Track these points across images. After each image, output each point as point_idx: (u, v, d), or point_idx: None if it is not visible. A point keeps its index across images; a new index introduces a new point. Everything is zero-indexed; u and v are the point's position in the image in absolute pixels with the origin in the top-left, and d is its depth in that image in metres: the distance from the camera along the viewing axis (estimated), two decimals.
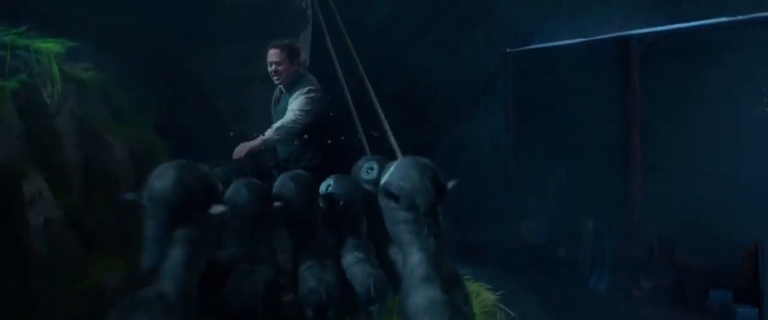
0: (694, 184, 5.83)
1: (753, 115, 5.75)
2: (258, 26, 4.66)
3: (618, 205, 6.43)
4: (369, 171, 3.38)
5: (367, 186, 3.37)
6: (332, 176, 3.27)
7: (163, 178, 2.68)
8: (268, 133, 3.94)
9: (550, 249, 6.66)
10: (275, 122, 4.01)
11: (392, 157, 4.26)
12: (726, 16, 5.91)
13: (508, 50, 7.05)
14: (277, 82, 4.10)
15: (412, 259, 2.50)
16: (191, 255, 2.59)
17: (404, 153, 5.45)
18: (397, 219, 2.56)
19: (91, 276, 3.55)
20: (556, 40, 6.78)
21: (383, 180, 2.58)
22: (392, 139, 4.72)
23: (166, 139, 4.28)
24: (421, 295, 2.43)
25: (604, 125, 6.51)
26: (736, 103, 5.81)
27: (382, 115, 4.82)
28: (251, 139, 3.89)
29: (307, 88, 4.06)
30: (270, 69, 4.07)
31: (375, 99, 4.87)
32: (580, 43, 6.59)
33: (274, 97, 4.22)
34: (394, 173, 2.60)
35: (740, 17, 5.80)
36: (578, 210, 6.51)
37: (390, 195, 2.53)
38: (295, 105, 3.99)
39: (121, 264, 3.59)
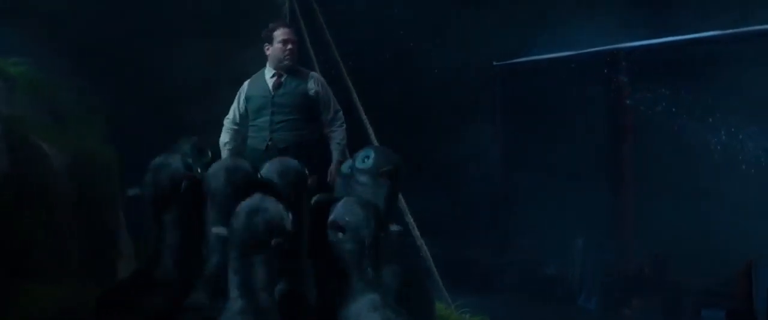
0: (686, 201, 5.46)
1: (744, 130, 5.41)
2: (228, 21, 3.82)
3: (609, 222, 6.07)
4: (365, 159, 3.01)
5: (363, 178, 2.99)
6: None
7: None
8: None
9: (540, 267, 6.22)
10: (272, 109, 3.73)
11: None
12: (714, 30, 5.57)
13: (495, 63, 6.65)
14: (289, 64, 3.80)
15: (356, 287, 2.57)
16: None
17: None
18: (343, 250, 2.63)
19: (18, 306, 2.86)
20: (545, 54, 6.41)
21: (331, 215, 2.68)
22: (374, 140, 4.00)
23: (118, 149, 3.47)
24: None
25: (594, 140, 6.16)
26: (726, 118, 5.48)
27: (364, 116, 4.08)
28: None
29: (316, 76, 3.93)
30: (286, 49, 3.77)
31: (356, 98, 4.10)
32: (568, 56, 6.22)
33: (270, 82, 3.81)
34: (340, 208, 2.69)
35: (729, 31, 5.47)
36: (568, 227, 6.08)
37: (338, 227, 2.63)
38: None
39: (54, 293, 2.96)
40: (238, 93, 3.72)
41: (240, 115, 3.74)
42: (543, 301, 5.79)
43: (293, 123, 3.74)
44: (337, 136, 3.70)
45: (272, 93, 3.75)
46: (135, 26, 4.04)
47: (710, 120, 5.41)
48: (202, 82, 4.26)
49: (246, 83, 3.74)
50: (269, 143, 3.68)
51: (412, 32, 6.14)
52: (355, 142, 4.08)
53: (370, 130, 4.29)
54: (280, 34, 3.73)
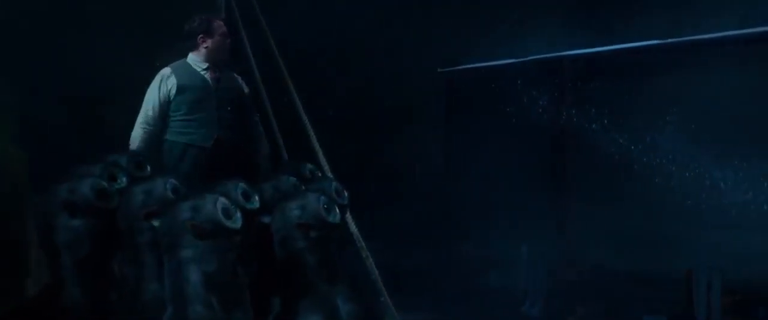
0: (629, 210, 5.30)
1: (684, 139, 5.17)
2: (155, 13, 3.45)
3: (553, 230, 5.83)
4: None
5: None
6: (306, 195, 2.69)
7: None
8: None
9: (484, 274, 5.98)
10: (216, 103, 3.45)
11: (314, 160, 3.67)
12: (658, 38, 5.36)
13: (439, 70, 6.36)
14: (227, 59, 3.62)
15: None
16: None
17: (339, 170, 4.84)
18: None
19: None
20: (489, 61, 6.15)
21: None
22: (315, 143, 3.60)
23: (30, 152, 2.98)
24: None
25: (538, 148, 5.93)
26: (668, 126, 5.25)
27: (304, 116, 3.70)
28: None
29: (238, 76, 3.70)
30: (226, 42, 3.57)
31: (296, 97, 3.73)
32: (512, 63, 5.99)
33: (207, 75, 3.53)
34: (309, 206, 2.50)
35: (670, 40, 5.27)
36: (512, 234, 5.81)
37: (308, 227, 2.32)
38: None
39: None
40: (156, 83, 3.28)
41: (160, 107, 3.34)
42: (487, 308, 5.52)
43: (236, 120, 3.41)
44: (264, 147, 3.34)
45: (213, 86, 3.33)
46: (52, 17, 3.61)
47: (653, 128, 5.19)
48: (125, 79, 3.79)
49: (168, 72, 3.35)
50: (215, 141, 3.31)
51: (356, 36, 5.86)
52: (297, 145, 3.74)
53: (311, 132, 3.87)
54: (220, 25, 3.48)
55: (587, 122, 5.53)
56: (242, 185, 2.65)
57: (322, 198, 2.67)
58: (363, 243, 3.79)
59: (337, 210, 2.66)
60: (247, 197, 2.65)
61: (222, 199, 2.23)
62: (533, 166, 5.85)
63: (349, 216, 3.73)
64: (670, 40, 5.20)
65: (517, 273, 5.83)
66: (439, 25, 6.09)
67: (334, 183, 3.03)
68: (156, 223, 2.21)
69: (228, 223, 2.18)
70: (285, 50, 4.86)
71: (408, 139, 6.14)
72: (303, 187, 2.97)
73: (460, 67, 6.18)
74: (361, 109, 5.97)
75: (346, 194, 3.04)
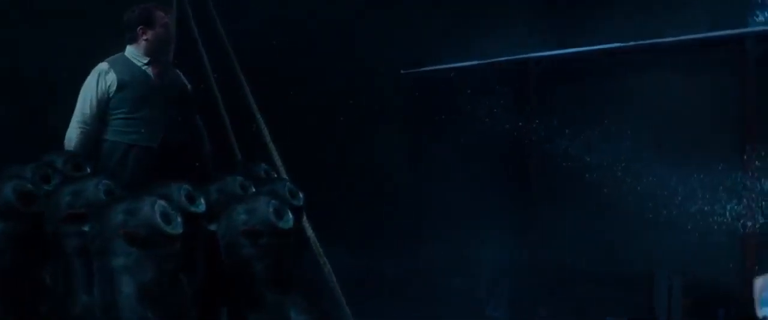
0: (591, 212, 5.14)
1: (645, 142, 5.02)
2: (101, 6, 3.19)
3: (516, 232, 5.61)
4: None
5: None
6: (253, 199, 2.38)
7: None
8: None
9: (448, 277, 5.72)
10: (162, 102, 3.08)
11: (267, 159, 3.38)
12: (621, 41, 5.21)
13: (403, 71, 6.08)
14: (171, 52, 3.25)
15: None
16: None
17: (299, 172, 4.60)
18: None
19: None
20: (454, 63, 5.89)
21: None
22: (270, 142, 3.32)
23: None
24: None
25: (502, 150, 5.70)
26: (629, 130, 5.08)
27: (257, 113, 3.41)
28: None
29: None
30: (170, 35, 3.20)
31: (250, 95, 3.44)
32: (477, 65, 5.75)
33: (149, 71, 3.16)
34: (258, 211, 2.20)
35: (632, 43, 5.14)
36: (476, 237, 5.60)
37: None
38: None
39: None
40: (93, 78, 2.97)
41: (98, 105, 3.02)
42: (451, 311, 5.34)
43: (182, 119, 3.08)
44: (208, 148, 3.03)
45: (157, 82, 3.05)
46: None
47: (615, 131, 5.02)
48: (67, 76, 3.36)
49: (106, 67, 3.03)
50: (161, 141, 2.96)
51: (320, 35, 5.57)
52: (252, 147, 3.45)
53: (266, 132, 3.57)
54: (162, 16, 3.12)
55: (550, 124, 5.34)
56: (186, 187, 2.36)
57: (273, 201, 2.40)
58: (321, 249, 3.49)
59: (290, 215, 2.39)
60: (191, 199, 2.37)
61: (161, 202, 1.95)
62: (498, 169, 5.67)
63: (305, 220, 3.43)
64: (632, 43, 5.08)
65: (481, 276, 5.69)
66: (403, 26, 5.85)
67: (287, 184, 2.76)
68: (86, 227, 1.92)
69: (167, 229, 1.89)
70: (245, 49, 4.61)
71: (372, 141, 5.89)
72: (254, 189, 2.70)
73: (424, 69, 5.95)
74: (325, 110, 5.64)
75: (301, 196, 2.77)
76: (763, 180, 4.73)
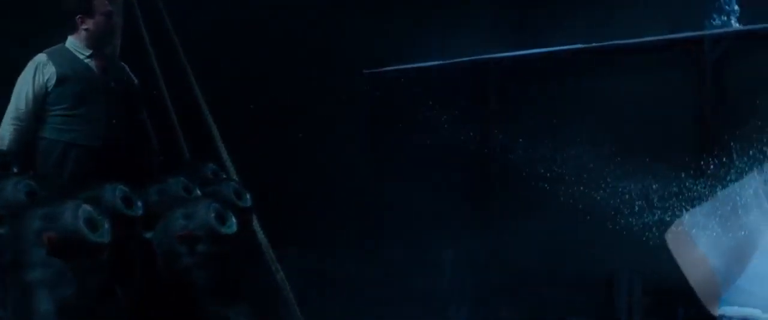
0: (553, 213, 4.97)
1: (604, 144, 4.79)
2: None
3: (478, 234, 5.41)
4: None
5: None
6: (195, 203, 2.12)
7: None
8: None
9: (409, 279, 5.43)
10: (105, 98, 2.76)
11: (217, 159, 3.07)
12: (582, 42, 5.09)
13: (365, 71, 5.86)
14: (114, 43, 2.98)
15: None
16: None
17: (259, 175, 4.41)
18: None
19: None
20: (415, 63, 5.67)
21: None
22: (219, 141, 3.03)
23: None
24: None
25: (463, 151, 5.45)
26: (589, 130, 4.92)
27: (206, 112, 3.12)
28: None
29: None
30: (111, 23, 2.85)
31: (198, 91, 3.15)
32: (438, 65, 5.57)
33: (92, 64, 2.84)
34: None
35: (593, 44, 4.99)
36: (437, 238, 5.40)
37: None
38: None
39: None
40: (30, 71, 2.67)
41: (35, 100, 2.71)
42: (412, 313, 5.14)
43: (127, 118, 2.77)
44: (153, 147, 2.74)
45: (101, 77, 2.74)
46: None
47: (575, 132, 4.86)
48: (3, 65, 3.01)
49: (44, 59, 2.73)
50: (104, 140, 2.66)
51: (279, 34, 5.32)
52: (202, 147, 3.16)
53: (215, 130, 3.28)
54: (104, 4, 2.80)
55: (511, 125, 5.19)
56: (122, 188, 2.07)
57: (214, 204, 2.14)
58: (273, 255, 3.19)
59: (233, 219, 2.13)
60: (128, 203, 2.08)
61: (86, 206, 1.66)
62: (459, 169, 5.50)
63: (256, 224, 3.14)
64: (593, 44, 4.96)
65: (443, 278, 5.50)
66: (364, 26, 5.64)
67: (234, 185, 2.49)
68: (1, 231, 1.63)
69: (92, 236, 1.60)
70: (199, 46, 4.33)
71: (332, 141, 5.62)
72: (199, 191, 2.43)
73: (386, 69, 5.73)
74: (285, 110, 5.39)
75: (248, 197, 2.50)
76: (721, 179, 4.65)
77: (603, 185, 4.80)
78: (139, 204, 2.19)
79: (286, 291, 3.18)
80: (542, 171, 5.02)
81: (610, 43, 4.93)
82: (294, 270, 5.38)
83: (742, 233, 4.94)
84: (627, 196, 4.86)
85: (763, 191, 5.17)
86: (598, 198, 4.75)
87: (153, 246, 2.12)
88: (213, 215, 2.19)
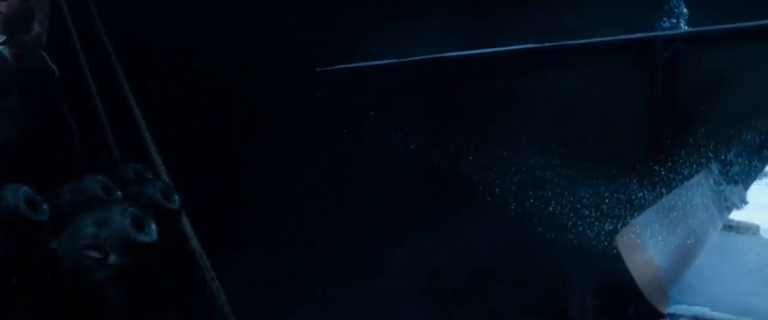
0: (505, 213, 4.73)
1: (558, 144, 4.64)
2: None
3: (430, 234, 5.10)
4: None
5: None
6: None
7: None
8: None
9: (360, 279, 5.11)
10: (20, 88, 2.44)
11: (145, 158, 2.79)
12: (536, 42, 4.89)
13: (319, 69, 5.56)
14: (32, 28, 2.55)
15: None
16: None
17: (208, 175, 4.37)
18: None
19: None
20: (370, 61, 5.40)
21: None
22: (147, 137, 2.71)
23: None
24: None
25: (417, 150, 5.20)
26: (544, 130, 4.73)
27: (134, 105, 2.77)
28: None
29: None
30: (25, 6, 2.50)
31: (126, 84, 2.81)
32: (391, 63, 5.30)
33: (10, 55, 2.53)
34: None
35: (546, 44, 4.81)
36: (390, 237, 5.13)
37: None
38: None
39: None
40: None
41: None
42: (363, 313, 4.87)
43: (47, 112, 2.44)
44: (76, 144, 2.41)
45: (16, 66, 2.39)
46: None
47: (528, 132, 4.69)
48: None
49: None
50: (20, 137, 2.32)
51: (231, 30, 5.02)
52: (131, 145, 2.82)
53: (143, 126, 2.94)
54: None
55: (465, 124, 5.04)
56: (26, 189, 1.74)
57: (131, 209, 1.82)
58: (207, 262, 2.87)
59: (153, 225, 1.82)
60: (32, 205, 1.75)
61: None
62: (412, 169, 5.21)
63: (189, 228, 2.82)
64: (546, 44, 4.78)
65: (394, 278, 5.15)
66: (317, 22, 5.41)
67: (160, 185, 2.17)
68: None
69: None
70: (138, 41, 3.97)
71: (284, 140, 5.39)
72: (119, 193, 2.11)
73: (339, 67, 5.45)
74: (236, 107, 5.20)
75: (176, 198, 2.19)
76: (670, 180, 4.54)
77: (556, 185, 4.72)
78: (46, 207, 1.85)
79: (222, 301, 2.86)
80: (494, 171, 4.87)
81: (562, 43, 4.79)
82: (245, 271, 5.11)
83: (689, 233, 4.88)
84: (578, 197, 4.74)
85: (710, 192, 5.12)
86: (550, 199, 4.67)
87: (59, 256, 1.82)
88: (129, 221, 1.88)
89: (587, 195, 4.73)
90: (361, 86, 5.46)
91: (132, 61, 3.40)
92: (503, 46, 5.03)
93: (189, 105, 4.77)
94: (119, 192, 2.25)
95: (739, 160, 5.24)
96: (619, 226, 4.71)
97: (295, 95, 5.46)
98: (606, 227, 4.72)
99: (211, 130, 5.00)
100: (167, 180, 2.52)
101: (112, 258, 1.75)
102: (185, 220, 2.57)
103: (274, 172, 5.45)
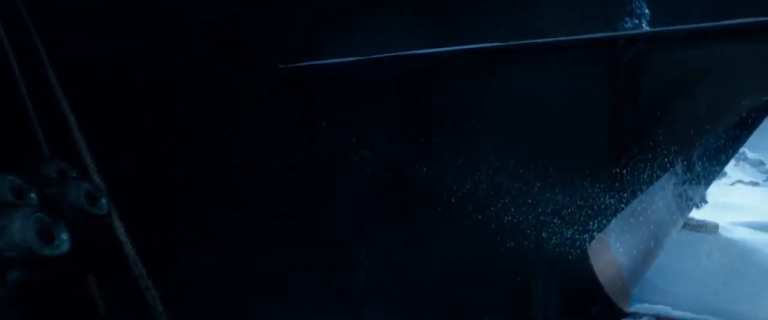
0: (470, 213, 4.53)
1: (523, 143, 4.50)
2: None
3: (394, 234, 4.96)
4: None
5: None
6: None
7: None
8: None
9: (324, 279, 5.02)
10: None
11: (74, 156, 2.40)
12: (501, 40, 4.70)
13: (281, 66, 5.30)
14: None
15: None
16: None
17: (169, 174, 4.20)
18: None
19: None
20: (334, 58, 5.14)
21: None
22: (76, 133, 2.42)
23: None
24: None
25: (381, 147, 4.97)
26: (509, 130, 4.56)
27: (62, 98, 2.48)
28: None
29: None
30: None
31: (53, 77, 2.53)
32: (356, 61, 5.06)
33: None
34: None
35: (511, 43, 4.61)
36: (355, 237, 5.00)
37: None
38: None
39: None
40: None
41: None
42: (328, 312, 4.82)
43: None
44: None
45: None
46: None
47: (493, 131, 4.53)
48: None
49: None
50: None
51: (186, 24, 4.76)
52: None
53: (72, 120, 2.65)
54: None
55: (429, 123, 4.80)
56: None
57: (38, 214, 1.54)
58: (143, 270, 2.58)
59: (64, 236, 1.55)
60: None
61: None
62: (377, 168, 4.97)
63: (123, 233, 2.55)
64: (511, 43, 4.59)
65: (358, 278, 5.12)
66: (280, 18, 5.21)
67: (85, 187, 1.90)
68: None
69: None
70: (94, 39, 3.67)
71: (246, 139, 5.14)
72: (34, 195, 1.84)
73: (303, 64, 5.21)
74: (193, 106, 4.88)
75: (104, 201, 1.91)
76: (633, 177, 4.40)
77: (520, 184, 4.56)
78: None
79: (159, 311, 2.59)
80: (459, 171, 4.71)
81: (526, 42, 4.60)
82: (207, 271, 4.85)
83: (650, 233, 4.77)
84: (543, 195, 4.58)
85: (671, 191, 5.01)
86: (515, 198, 4.53)
87: None
88: (32, 230, 1.59)
89: (550, 195, 4.59)
90: (325, 83, 5.25)
91: (73, 58, 3.14)
92: (468, 45, 5.01)
93: (148, 103, 4.50)
94: (33, 195, 1.96)
95: (701, 160, 5.15)
96: (581, 227, 4.59)
97: (257, 92, 5.23)
98: (569, 227, 4.60)
99: (176, 130, 4.73)
100: (97, 180, 2.25)
101: (13, 275, 1.48)
102: (118, 225, 2.30)
103: (235, 171, 5.19)
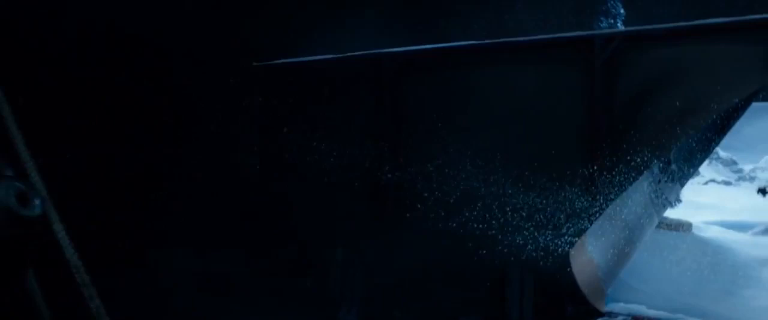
0: (445, 212, 4.42)
1: (498, 142, 4.38)
2: None
3: (369, 234, 4.78)
4: None
5: None
6: None
7: None
8: None
9: (299, 279, 4.85)
10: None
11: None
12: (475, 39, 4.60)
13: (255, 64, 5.16)
14: None
15: None
16: None
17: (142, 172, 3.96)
18: None
19: None
20: (308, 56, 4.98)
21: None
22: (12, 129, 2.21)
23: None
24: None
25: (355, 147, 4.80)
26: (484, 129, 4.42)
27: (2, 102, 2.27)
28: None
29: None
30: None
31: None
32: (330, 59, 4.91)
33: None
34: None
35: (487, 41, 4.51)
36: (328, 237, 4.82)
37: None
38: None
39: None
40: None
41: None
42: (301, 313, 4.59)
43: None
44: None
45: None
46: None
47: (468, 130, 4.41)
48: None
49: None
50: None
51: (163, 25, 4.57)
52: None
53: (8, 116, 2.43)
54: None
55: (404, 122, 4.65)
56: None
57: None
58: (86, 277, 2.35)
59: None
60: None
61: None
62: (350, 167, 4.82)
63: (63, 236, 2.34)
64: (487, 41, 4.51)
65: (333, 278, 4.91)
66: (254, 15, 5.11)
67: (16, 186, 1.71)
68: None
69: None
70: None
71: (220, 137, 4.97)
72: None
73: (277, 62, 5.08)
74: (167, 104, 4.70)
75: (38, 203, 1.73)
76: (609, 176, 4.29)
77: (495, 183, 4.47)
78: None
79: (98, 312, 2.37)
80: (434, 170, 4.55)
81: (502, 40, 4.53)
82: (181, 271, 4.65)
83: (625, 232, 4.65)
84: (518, 194, 4.46)
85: (647, 190, 4.90)
86: (490, 196, 4.38)
87: None
88: None
89: (525, 194, 4.47)
90: (300, 82, 5.07)
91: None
92: (444, 43, 4.87)
93: (126, 105, 4.28)
94: None
95: (676, 159, 5.06)
96: (557, 226, 4.47)
97: (228, 90, 5.04)
98: (544, 227, 4.48)
99: (151, 129, 4.52)
100: (35, 179, 2.03)
101: None
102: (58, 228, 2.08)
103: (210, 170, 4.99)
